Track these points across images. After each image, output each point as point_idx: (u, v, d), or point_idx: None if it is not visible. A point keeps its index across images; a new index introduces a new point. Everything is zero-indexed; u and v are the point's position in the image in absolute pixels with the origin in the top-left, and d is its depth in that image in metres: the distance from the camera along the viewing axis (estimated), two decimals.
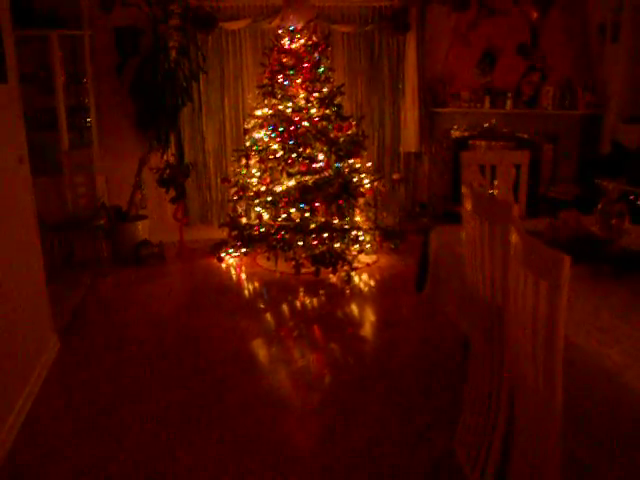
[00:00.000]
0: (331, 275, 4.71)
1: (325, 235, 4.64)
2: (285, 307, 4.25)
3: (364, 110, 5.92)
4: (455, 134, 6.16)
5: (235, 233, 4.89)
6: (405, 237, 5.24)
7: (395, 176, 5.92)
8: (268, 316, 4.09)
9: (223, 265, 5.11)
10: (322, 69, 4.82)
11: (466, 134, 6.09)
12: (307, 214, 4.61)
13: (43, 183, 5.04)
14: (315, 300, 4.36)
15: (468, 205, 2.24)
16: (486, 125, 5.90)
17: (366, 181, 4.93)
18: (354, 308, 4.27)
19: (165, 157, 5.41)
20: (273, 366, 3.39)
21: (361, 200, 4.91)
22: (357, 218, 4.99)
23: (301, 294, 4.47)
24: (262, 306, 4.26)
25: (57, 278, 4.62)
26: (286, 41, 4.88)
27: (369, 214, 5.16)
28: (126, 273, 4.96)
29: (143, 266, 5.09)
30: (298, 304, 4.31)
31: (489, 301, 2.14)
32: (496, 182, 3.52)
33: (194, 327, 3.89)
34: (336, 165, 4.69)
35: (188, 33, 5.44)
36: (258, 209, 4.80)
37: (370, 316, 4.17)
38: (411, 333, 3.75)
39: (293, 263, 4.71)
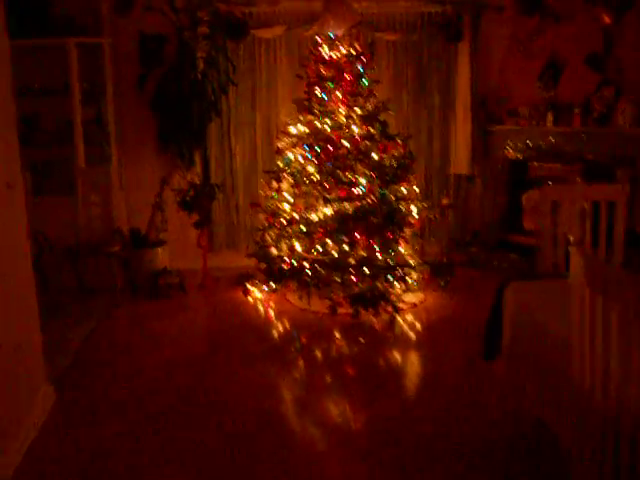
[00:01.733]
0: (372, 317, 4.09)
1: (366, 271, 4.02)
2: (318, 354, 3.67)
3: (410, 128, 5.30)
4: (513, 155, 5.48)
5: (264, 266, 4.31)
6: (454, 272, 4.58)
7: (444, 201, 5.27)
8: (300, 365, 3.51)
9: (250, 299, 4.54)
10: (365, 81, 4.24)
11: (524, 155, 5.42)
12: (346, 247, 4.01)
13: (55, 203, 4.62)
14: (354, 348, 3.75)
15: (579, 273, 1.60)
16: (541, 143, 5.21)
17: (414, 209, 4.31)
18: (399, 359, 3.66)
19: (189, 177, 4.90)
20: (309, 433, 2.82)
21: (408, 231, 4.28)
22: (402, 250, 4.36)
23: (337, 340, 3.87)
24: (292, 352, 3.68)
25: (63, 310, 4.19)
26: (325, 50, 4.32)
27: (415, 246, 4.52)
28: (141, 306, 4.45)
29: (161, 298, 4.56)
30: (333, 352, 3.71)
31: (606, 408, 1.50)
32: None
33: (214, 380, 3.31)
34: (381, 191, 4.08)
35: (217, 42, 4.95)
36: (290, 239, 4.21)
37: (418, 371, 3.53)
38: (465, 398, 3.08)
39: (328, 302, 4.10)
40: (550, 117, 5.21)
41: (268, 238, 4.34)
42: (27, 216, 2.91)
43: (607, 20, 4.92)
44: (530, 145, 5.36)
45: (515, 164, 5.52)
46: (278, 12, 5.10)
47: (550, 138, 5.21)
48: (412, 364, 3.65)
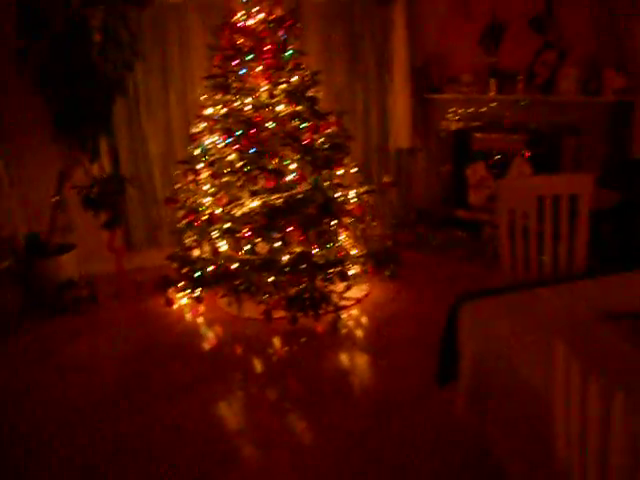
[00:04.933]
0: (312, 320, 3.63)
1: (303, 270, 3.55)
2: (257, 367, 3.21)
3: (344, 102, 4.80)
4: (455, 125, 5.09)
5: (186, 270, 3.76)
6: (401, 262, 4.18)
7: (386, 179, 4.84)
8: (238, 384, 3.03)
9: (175, 307, 4.00)
10: (289, 52, 3.68)
11: (468, 125, 5.04)
12: (277, 244, 3.52)
13: None
14: (294, 357, 3.30)
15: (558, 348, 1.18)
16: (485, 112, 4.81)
17: (352, 194, 3.85)
18: (344, 366, 3.24)
19: (94, 169, 4.23)
20: (256, 455, 2.38)
21: (347, 220, 3.83)
22: (342, 237, 3.91)
23: (275, 349, 3.41)
24: (227, 370, 3.19)
25: None
26: (241, 16, 3.72)
27: (357, 232, 4.07)
28: (43, 328, 3.78)
29: (68, 315, 3.94)
30: (272, 364, 3.25)
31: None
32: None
33: (132, 425, 2.77)
34: (313, 178, 3.58)
35: (116, 8, 4.23)
36: (214, 239, 3.67)
37: (364, 379, 3.11)
38: (418, 417, 2.69)
39: (263, 307, 3.62)
40: (493, 84, 4.83)
41: (187, 238, 3.77)
42: None
43: None
44: (473, 114, 4.98)
45: (458, 135, 5.14)
46: None
47: (492, 106, 4.85)
48: (358, 371, 3.24)
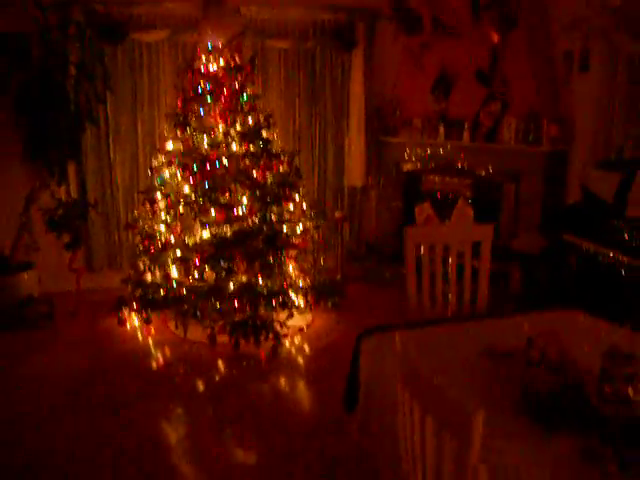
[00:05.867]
0: (254, 346, 3.89)
1: (247, 298, 3.82)
2: (197, 388, 3.45)
3: (303, 138, 5.14)
4: (407, 167, 5.44)
5: (139, 293, 4.01)
6: (344, 294, 4.46)
7: (338, 214, 5.15)
8: (179, 405, 3.26)
9: (128, 326, 4.23)
10: (245, 97, 4.01)
11: (419, 167, 5.39)
12: (223, 274, 3.79)
13: None
14: (234, 381, 3.54)
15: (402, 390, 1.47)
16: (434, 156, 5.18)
17: (299, 229, 4.14)
18: (280, 391, 3.48)
19: (60, 193, 4.49)
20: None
21: (293, 252, 4.11)
22: (290, 268, 4.19)
23: (215, 372, 3.65)
24: (170, 389, 3.42)
25: None
26: (203, 61, 4.04)
27: (305, 265, 4.36)
28: (1, 342, 4.01)
29: (27, 329, 4.15)
30: (212, 387, 3.49)
31: None
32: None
33: (72, 438, 2.98)
34: (261, 213, 3.87)
35: (92, 44, 4.53)
36: (166, 265, 3.93)
37: (298, 405, 3.37)
38: (344, 437, 2.95)
39: (208, 331, 3.87)
40: (442, 130, 5.18)
41: (141, 264, 4.03)
42: None
43: (495, 38, 4.92)
44: (424, 157, 5.33)
45: (409, 176, 5.49)
46: (161, 15, 4.77)
47: (441, 151, 5.20)
48: (293, 395, 3.49)
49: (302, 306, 4.14)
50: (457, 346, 2.13)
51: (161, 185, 4.00)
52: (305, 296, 4.12)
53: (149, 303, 3.93)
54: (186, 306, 3.80)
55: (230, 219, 3.85)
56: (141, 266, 4.00)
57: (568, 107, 4.79)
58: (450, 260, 2.70)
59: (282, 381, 3.61)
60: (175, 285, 3.88)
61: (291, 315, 4.01)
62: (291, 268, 4.22)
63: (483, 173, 5.03)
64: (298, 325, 4.20)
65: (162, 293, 3.91)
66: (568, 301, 3.89)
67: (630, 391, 1.43)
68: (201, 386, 3.51)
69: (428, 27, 5.10)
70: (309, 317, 4.34)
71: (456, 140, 5.10)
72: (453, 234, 2.81)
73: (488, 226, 2.77)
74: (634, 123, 4.41)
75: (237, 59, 4.06)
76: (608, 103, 4.46)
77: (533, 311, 2.49)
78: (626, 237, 3.54)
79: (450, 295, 2.80)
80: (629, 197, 3.75)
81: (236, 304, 3.82)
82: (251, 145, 3.98)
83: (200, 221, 3.83)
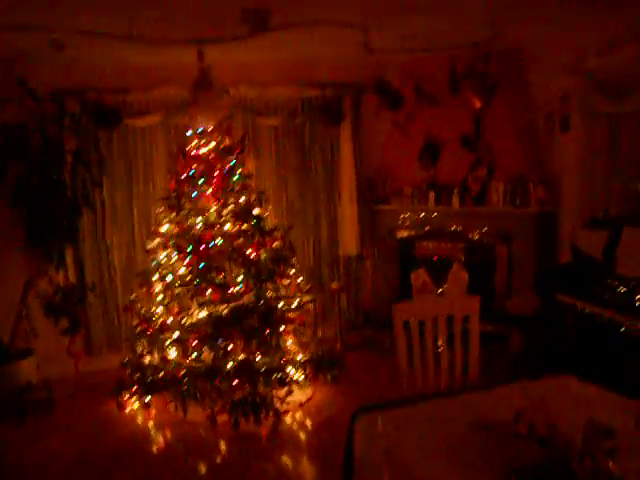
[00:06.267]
0: (254, 425, 3.84)
1: (245, 376, 3.80)
2: (199, 470, 3.39)
3: (296, 214, 5.24)
4: (401, 234, 5.52)
5: (137, 376, 4.00)
6: (344, 366, 4.43)
7: (334, 285, 5.19)
8: None
9: (127, 410, 4.18)
10: (236, 177, 4.14)
11: (412, 233, 5.47)
12: (221, 353, 3.79)
13: None
14: (236, 461, 3.48)
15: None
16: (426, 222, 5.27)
17: (295, 304, 4.17)
18: (282, 468, 3.41)
19: (58, 279, 4.55)
20: None
21: (290, 327, 4.12)
22: (288, 342, 4.20)
23: (216, 453, 3.59)
24: (171, 472, 3.36)
25: None
26: (195, 145, 4.20)
27: (303, 339, 4.36)
28: (3, 433, 3.95)
29: (26, 418, 4.11)
30: (211, 468, 3.43)
31: None
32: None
33: None
34: (256, 291, 3.92)
35: (88, 133, 4.72)
36: (164, 347, 3.94)
37: None
38: None
39: (208, 412, 3.83)
40: (432, 196, 5.30)
41: (140, 346, 4.04)
42: None
43: (477, 104, 5.09)
44: (416, 223, 5.43)
45: (403, 243, 5.56)
46: (153, 100, 4.97)
47: (433, 216, 5.30)
48: (295, 473, 3.42)
49: (301, 381, 4.12)
50: (446, 421, 2.13)
51: (157, 267, 4.06)
52: (304, 370, 4.10)
53: (148, 387, 3.91)
54: (185, 387, 3.78)
55: (226, 297, 3.88)
56: (139, 349, 4.00)
57: (553, 169, 4.93)
58: (439, 334, 2.73)
59: (284, 458, 3.55)
60: (173, 366, 3.87)
61: (290, 391, 3.98)
62: (289, 342, 4.23)
63: (476, 236, 5.11)
64: (298, 400, 4.16)
65: (161, 375, 3.89)
66: (566, 361, 3.89)
67: (611, 465, 1.43)
68: (203, 468, 3.45)
69: (411, 99, 5.30)
70: (309, 391, 4.30)
71: (446, 205, 5.21)
72: (440, 307, 2.84)
73: (474, 298, 2.81)
74: (617, 180, 4.51)
75: (227, 140, 4.21)
76: (591, 162, 4.58)
77: (525, 379, 2.48)
78: (619, 296, 3.56)
79: (442, 367, 2.81)
80: (617, 254, 3.80)
81: (235, 382, 3.80)
82: (244, 223, 4.06)
83: (197, 301, 3.87)
